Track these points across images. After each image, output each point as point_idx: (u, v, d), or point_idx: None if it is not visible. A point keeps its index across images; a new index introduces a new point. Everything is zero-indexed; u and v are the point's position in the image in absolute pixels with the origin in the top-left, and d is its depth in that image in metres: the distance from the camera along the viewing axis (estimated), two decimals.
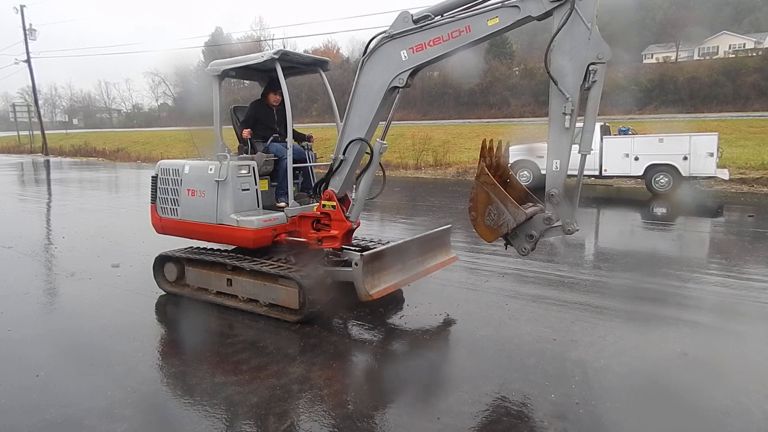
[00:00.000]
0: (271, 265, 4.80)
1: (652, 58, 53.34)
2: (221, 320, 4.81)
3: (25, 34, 37.86)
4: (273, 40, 60.72)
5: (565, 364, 3.83)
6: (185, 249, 5.50)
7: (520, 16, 3.69)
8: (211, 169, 5.14)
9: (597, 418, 3.12)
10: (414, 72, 4.28)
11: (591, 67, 3.49)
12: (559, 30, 3.53)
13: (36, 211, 12.33)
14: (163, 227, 5.66)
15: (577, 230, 3.80)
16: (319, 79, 5.73)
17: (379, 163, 4.80)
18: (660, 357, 3.91)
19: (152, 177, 5.66)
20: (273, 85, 5.56)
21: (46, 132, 40.18)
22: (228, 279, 5.03)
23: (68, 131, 54.44)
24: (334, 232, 4.90)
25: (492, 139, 4.19)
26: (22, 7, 37.21)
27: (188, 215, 5.37)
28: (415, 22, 4.11)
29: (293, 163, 5.21)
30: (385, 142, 4.74)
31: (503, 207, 3.82)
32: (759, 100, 35.78)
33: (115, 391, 3.46)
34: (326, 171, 4.92)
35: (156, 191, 5.62)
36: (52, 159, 34.25)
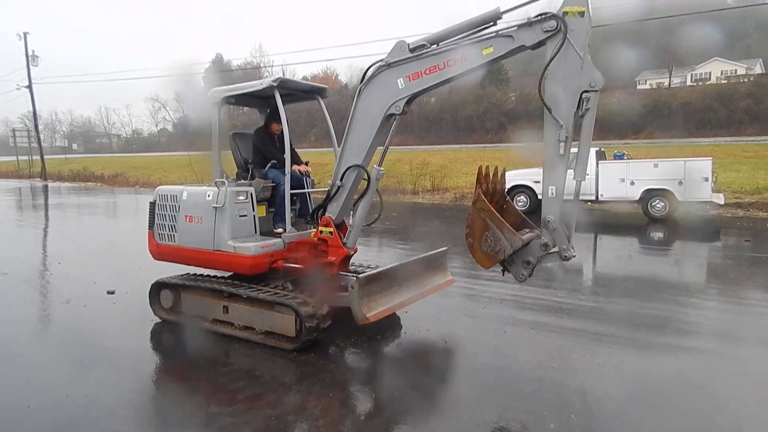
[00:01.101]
0: (267, 291, 4.77)
1: (645, 83, 54.19)
2: (217, 348, 4.74)
3: (28, 61, 38.33)
4: (273, 66, 61.66)
5: (565, 392, 3.79)
6: (181, 275, 5.47)
7: (514, 46, 3.78)
8: (208, 195, 5.12)
9: None
10: (410, 99, 4.34)
11: (584, 95, 3.56)
12: (552, 59, 3.61)
13: (33, 236, 12.30)
14: (161, 253, 5.59)
15: (574, 256, 3.80)
16: (318, 105, 5.81)
17: (376, 189, 4.83)
18: (660, 383, 3.87)
19: (150, 203, 5.61)
20: (275, 115, 5.55)
21: (45, 157, 40.34)
22: (224, 306, 4.98)
23: (67, 156, 54.67)
24: (331, 258, 4.88)
25: (488, 165, 4.22)
26: (25, 34, 37.81)
27: (186, 241, 5.32)
28: (412, 51, 4.17)
29: (291, 190, 5.23)
30: (382, 168, 4.78)
31: (500, 233, 3.83)
32: (752, 124, 36.27)
33: (107, 421, 3.40)
34: (324, 197, 4.94)
35: (154, 217, 5.57)
36: (50, 184, 34.29)
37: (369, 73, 4.41)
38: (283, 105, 5.24)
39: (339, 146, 4.81)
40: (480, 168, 4.14)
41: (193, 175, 21.75)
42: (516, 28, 3.77)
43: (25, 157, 43.48)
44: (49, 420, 3.47)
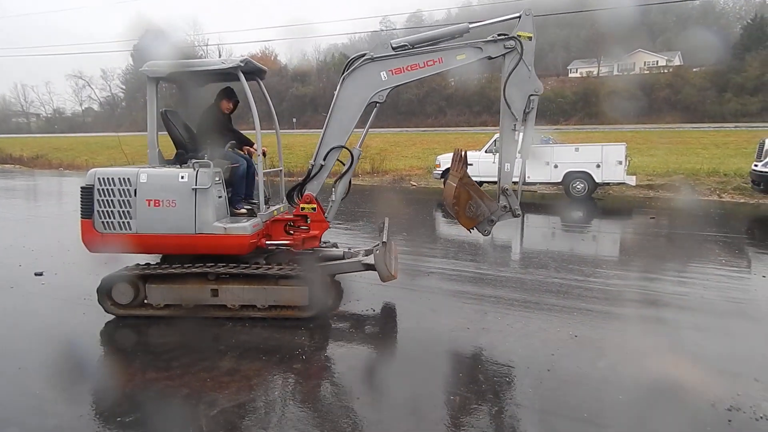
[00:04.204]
0: (270, 267, 4.90)
1: (576, 72, 56.88)
2: (149, 322, 4.88)
3: None
4: (208, 45, 59.45)
5: (474, 349, 4.29)
6: (140, 266, 5.04)
7: (482, 56, 4.78)
8: (183, 177, 4.81)
9: (496, 391, 3.57)
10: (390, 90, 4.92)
11: (531, 97, 4.76)
12: (513, 70, 4.72)
13: None
14: (107, 243, 4.89)
15: (521, 214, 5.08)
16: (257, 86, 5.74)
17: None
18: (555, 339, 4.44)
19: (83, 188, 4.91)
20: (227, 93, 5.56)
21: None
22: (213, 290, 4.87)
23: None
24: (314, 232, 5.21)
25: (466, 150, 5.20)
26: None
27: (150, 228, 4.82)
28: (395, 49, 4.82)
29: (246, 171, 5.30)
30: (360, 149, 5.25)
31: (480, 201, 4.91)
32: (670, 112, 39.16)
33: (42, 391, 3.53)
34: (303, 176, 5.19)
35: (92, 204, 4.86)
36: None
37: (354, 65, 4.88)
38: (222, 83, 5.25)
39: (281, 128, 4.99)
40: (466, 152, 5.16)
41: (123, 156, 20.95)
42: (484, 42, 4.76)
43: None
44: None
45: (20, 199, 16.33)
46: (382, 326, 4.99)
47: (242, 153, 5.62)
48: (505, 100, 4.78)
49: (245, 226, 4.87)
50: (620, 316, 5.11)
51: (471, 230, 5.06)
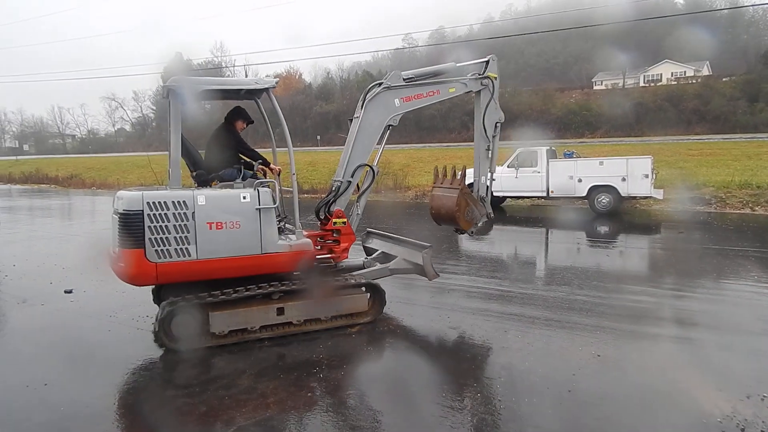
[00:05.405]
0: (341, 279, 5.21)
1: (601, 84, 56.22)
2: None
3: None
4: (234, 66, 60.92)
5: (494, 368, 4.22)
6: (191, 294, 4.64)
7: (466, 90, 6.02)
8: (245, 198, 4.71)
9: (514, 412, 3.49)
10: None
11: (497, 125, 6.18)
12: (489, 103, 6.07)
13: None
14: (162, 274, 4.46)
15: (493, 217, 6.37)
16: (255, 105, 5.75)
17: (357, 185, 5.61)
18: (577, 358, 4.33)
19: (125, 214, 4.34)
20: (242, 114, 5.63)
21: None
22: (278, 308, 4.87)
23: (18, 157, 52.66)
24: (344, 245, 5.48)
25: (465, 166, 6.15)
26: None
27: (213, 252, 4.57)
28: (405, 80, 5.61)
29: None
30: (377, 166, 5.81)
31: (475, 208, 6.01)
32: (699, 124, 38.22)
33: (67, 407, 3.61)
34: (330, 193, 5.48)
35: (141, 232, 4.33)
36: (0, 186, 33.07)
37: (373, 92, 5.48)
38: (218, 100, 5.46)
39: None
40: (464, 168, 6.15)
41: (153, 175, 21.51)
42: (468, 79, 5.97)
43: None
44: (6, 408, 3.64)
45: (54, 218, 16.89)
46: (401, 345, 4.95)
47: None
48: (484, 127, 6.09)
49: (309, 242, 5.00)
50: (645, 335, 4.96)
51: (463, 232, 6.07)
